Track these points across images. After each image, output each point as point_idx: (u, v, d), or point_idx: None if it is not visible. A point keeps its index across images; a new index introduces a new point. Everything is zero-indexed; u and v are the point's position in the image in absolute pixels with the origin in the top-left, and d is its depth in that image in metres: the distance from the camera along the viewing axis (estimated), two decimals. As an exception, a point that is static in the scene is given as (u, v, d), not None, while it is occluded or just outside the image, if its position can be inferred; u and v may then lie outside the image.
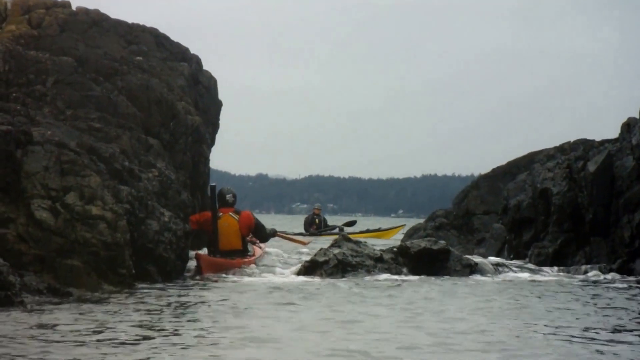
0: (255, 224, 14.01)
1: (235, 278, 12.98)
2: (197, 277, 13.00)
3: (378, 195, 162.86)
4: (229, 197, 13.82)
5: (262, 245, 15.42)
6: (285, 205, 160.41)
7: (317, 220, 32.55)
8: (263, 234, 14.38)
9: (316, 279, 12.85)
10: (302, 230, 32.64)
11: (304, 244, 16.21)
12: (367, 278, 12.81)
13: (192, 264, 14.33)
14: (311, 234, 31.62)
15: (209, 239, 13.85)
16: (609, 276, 13.61)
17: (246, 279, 12.95)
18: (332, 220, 35.79)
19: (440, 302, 10.40)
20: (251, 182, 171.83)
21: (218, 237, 13.55)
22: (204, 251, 13.97)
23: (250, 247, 14.47)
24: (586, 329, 8.54)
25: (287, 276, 13.20)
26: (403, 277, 13.06)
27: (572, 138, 19.11)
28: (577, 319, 9.21)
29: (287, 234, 15.56)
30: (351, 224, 33.93)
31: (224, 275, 13.14)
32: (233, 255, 13.63)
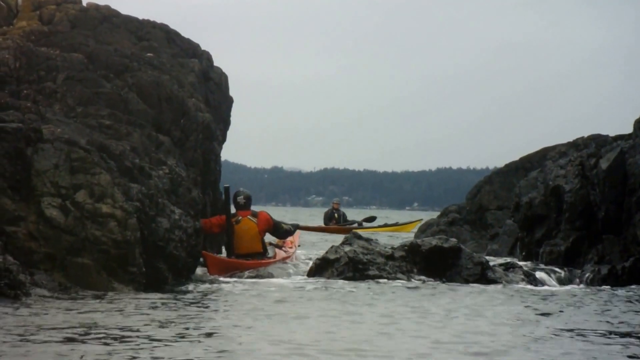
0: (273, 224, 13.98)
1: (244, 279, 12.92)
2: (205, 279, 13.00)
3: (393, 188, 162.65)
4: (239, 199, 13.82)
5: (289, 248, 15.33)
6: (301, 198, 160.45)
7: (336, 215, 32.57)
8: (281, 232, 14.31)
9: (321, 281, 12.68)
10: (322, 224, 32.68)
11: (330, 231, 16.08)
12: (373, 285, 12.51)
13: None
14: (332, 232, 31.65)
15: (226, 242, 13.82)
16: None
17: (252, 279, 12.88)
18: (349, 213, 35.74)
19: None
20: (266, 175, 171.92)
21: (234, 241, 13.52)
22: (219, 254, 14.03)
23: (271, 249, 14.41)
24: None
25: (295, 279, 13.10)
26: (412, 283, 12.80)
27: (586, 131, 19.00)
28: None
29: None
30: (371, 219, 33.91)
31: (235, 276, 13.10)
32: (252, 258, 13.61)
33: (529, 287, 12.95)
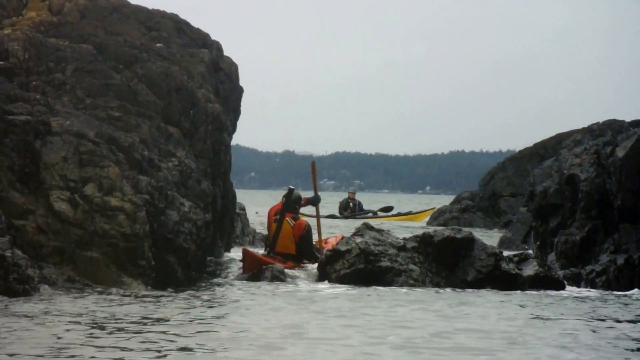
0: (300, 236, 13.57)
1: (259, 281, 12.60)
2: (216, 273, 12.94)
3: (405, 171, 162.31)
4: (284, 200, 13.64)
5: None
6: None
7: (351, 205, 32.56)
8: (305, 248, 13.70)
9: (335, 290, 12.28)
10: (337, 213, 32.67)
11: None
12: (385, 289, 12.21)
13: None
14: (345, 217, 31.61)
15: (269, 239, 13.68)
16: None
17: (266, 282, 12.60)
18: (361, 197, 35.66)
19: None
20: (278, 159, 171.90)
21: (278, 239, 13.40)
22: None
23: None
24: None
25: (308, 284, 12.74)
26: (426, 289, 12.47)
27: (600, 117, 18.73)
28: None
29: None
30: (388, 209, 33.81)
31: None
32: (286, 259, 13.42)
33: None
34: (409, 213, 33.84)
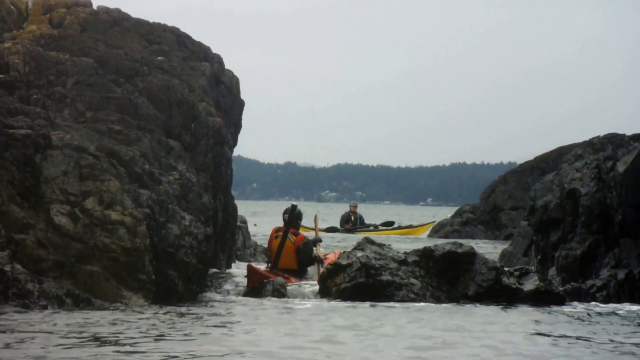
0: (298, 248, 13.61)
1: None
2: (215, 287, 12.92)
3: (406, 183, 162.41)
4: (285, 216, 13.68)
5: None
6: (315, 193, 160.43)
7: (352, 218, 32.58)
8: (304, 258, 13.74)
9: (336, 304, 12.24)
10: (337, 226, 32.68)
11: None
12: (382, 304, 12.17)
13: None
14: (346, 231, 31.63)
15: (271, 255, 13.69)
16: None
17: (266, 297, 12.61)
18: (363, 209, 35.64)
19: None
20: (280, 170, 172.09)
21: (280, 256, 13.39)
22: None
23: (313, 269, 13.99)
24: None
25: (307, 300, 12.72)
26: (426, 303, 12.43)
27: (603, 131, 18.71)
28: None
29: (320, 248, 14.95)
30: (389, 224, 33.74)
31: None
32: (289, 275, 13.42)
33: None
34: (410, 227, 33.85)
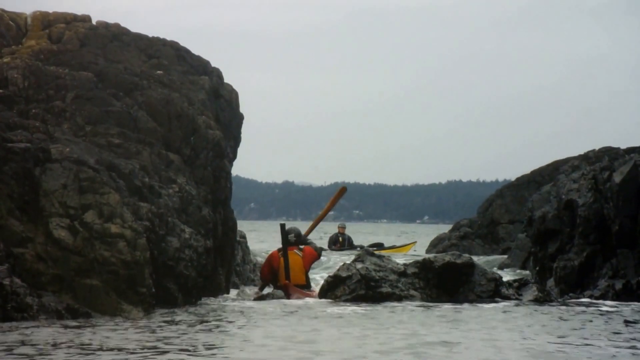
0: (317, 255, 14.28)
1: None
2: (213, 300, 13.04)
3: (403, 201, 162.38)
4: (290, 236, 14.00)
5: None
6: (312, 212, 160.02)
7: (340, 239, 32.48)
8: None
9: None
10: (326, 247, 32.62)
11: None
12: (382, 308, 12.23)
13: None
14: (334, 251, 31.61)
15: (274, 275, 13.93)
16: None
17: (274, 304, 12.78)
18: (360, 227, 35.75)
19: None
20: (277, 190, 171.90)
21: (289, 272, 13.67)
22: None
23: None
24: None
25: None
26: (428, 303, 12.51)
27: (595, 144, 18.91)
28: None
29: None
30: (378, 246, 33.77)
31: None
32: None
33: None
34: (393, 247, 34.02)
